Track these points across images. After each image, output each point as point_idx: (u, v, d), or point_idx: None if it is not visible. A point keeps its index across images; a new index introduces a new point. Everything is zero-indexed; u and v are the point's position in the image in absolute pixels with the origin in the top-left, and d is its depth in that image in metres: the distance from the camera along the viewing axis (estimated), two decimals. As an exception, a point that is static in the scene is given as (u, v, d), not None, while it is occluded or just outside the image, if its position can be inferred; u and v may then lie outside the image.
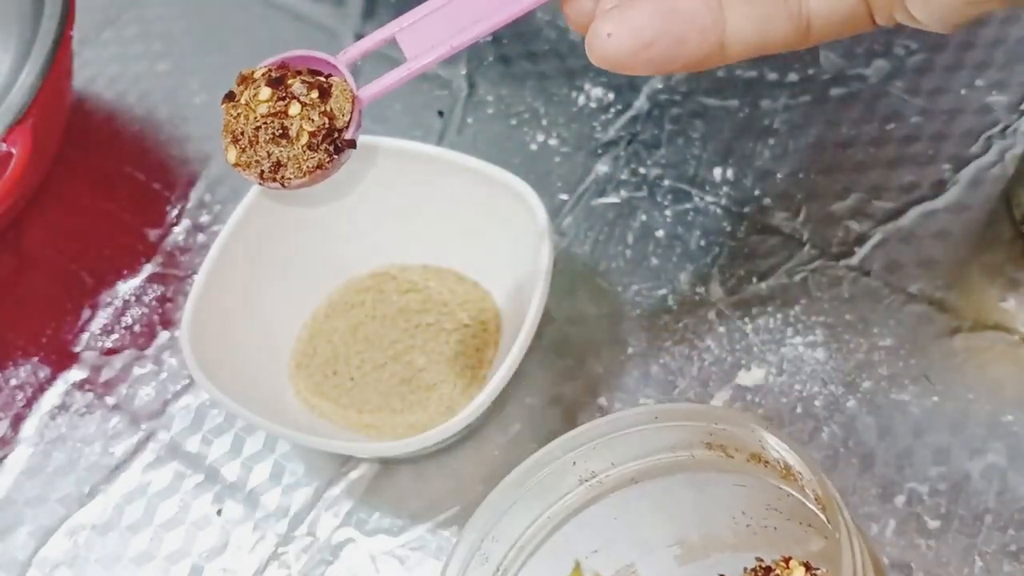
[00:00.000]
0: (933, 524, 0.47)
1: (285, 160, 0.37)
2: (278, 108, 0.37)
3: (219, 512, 0.52)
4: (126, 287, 0.59)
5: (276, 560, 0.50)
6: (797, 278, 0.54)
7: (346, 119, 0.37)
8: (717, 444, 0.39)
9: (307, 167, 0.36)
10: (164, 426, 0.54)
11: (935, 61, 0.60)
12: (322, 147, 0.37)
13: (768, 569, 0.41)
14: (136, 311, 0.58)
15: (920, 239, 0.54)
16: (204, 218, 0.60)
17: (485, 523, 0.39)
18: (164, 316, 0.58)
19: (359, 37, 0.66)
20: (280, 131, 0.37)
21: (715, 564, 0.43)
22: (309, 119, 0.36)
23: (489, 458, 0.51)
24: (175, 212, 0.61)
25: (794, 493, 0.38)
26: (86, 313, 0.58)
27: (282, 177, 0.37)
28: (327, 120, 0.37)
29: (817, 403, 0.50)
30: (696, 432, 0.39)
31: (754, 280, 0.54)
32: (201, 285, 0.51)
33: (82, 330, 0.58)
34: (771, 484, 0.39)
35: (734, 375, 0.52)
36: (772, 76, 0.60)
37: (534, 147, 0.60)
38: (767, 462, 0.38)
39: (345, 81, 0.37)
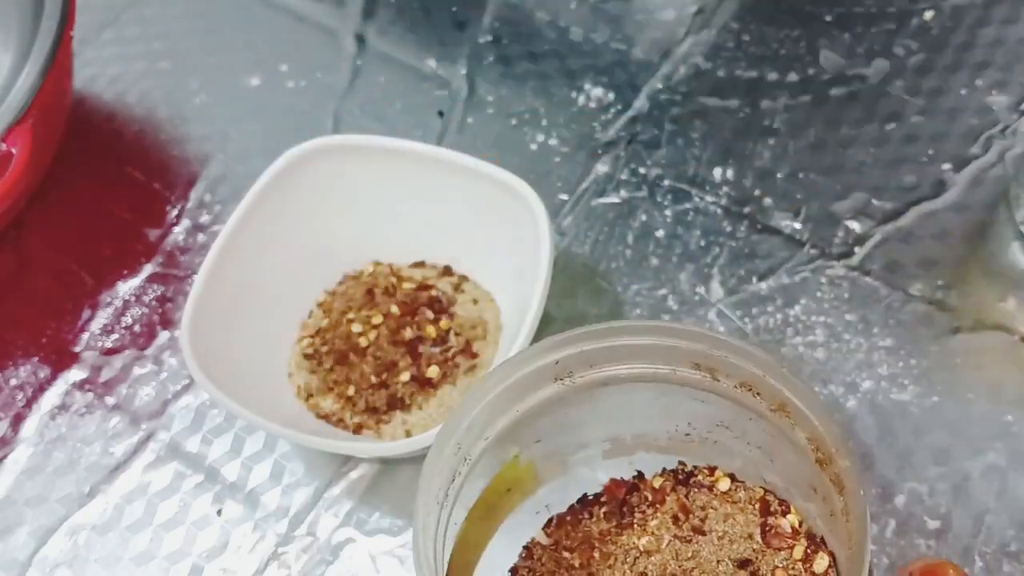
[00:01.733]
0: (933, 524, 0.47)
1: None
2: None
3: (219, 512, 0.52)
4: (126, 287, 0.59)
5: (276, 560, 0.50)
6: (797, 278, 0.54)
7: None
8: (707, 366, 0.40)
9: None
10: (164, 426, 0.54)
11: (935, 61, 0.60)
12: None
13: (690, 474, 0.43)
14: (136, 311, 0.58)
15: (920, 239, 0.54)
16: (204, 218, 0.60)
17: (462, 413, 0.40)
18: (164, 316, 0.58)
19: (359, 37, 0.66)
20: None
21: (636, 461, 0.44)
22: None
23: (489, 458, 0.51)
24: (175, 212, 0.61)
25: (777, 425, 0.39)
26: (86, 313, 0.58)
27: None
28: None
29: (817, 403, 0.50)
30: (689, 353, 0.40)
31: (754, 280, 0.54)
32: (201, 285, 0.51)
33: (82, 330, 0.58)
34: (736, 405, 0.40)
35: (734, 375, 0.52)
36: (772, 76, 0.60)
37: (534, 147, 0.60)
38: (759, 393, 0.39)
39: None
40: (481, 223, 0.53)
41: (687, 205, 0.57)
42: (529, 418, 0.42)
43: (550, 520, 0.44)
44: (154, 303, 0.58)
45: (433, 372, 0.52)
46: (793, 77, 0.60)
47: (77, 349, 0.57)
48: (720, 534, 0.41)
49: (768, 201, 0.57)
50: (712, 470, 0.43)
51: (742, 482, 0.43)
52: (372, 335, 0.53)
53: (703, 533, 0.41)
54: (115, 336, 0.57)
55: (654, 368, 0.41)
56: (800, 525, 0.41)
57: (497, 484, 0.43)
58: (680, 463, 0.44)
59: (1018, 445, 0.48)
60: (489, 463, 0.42)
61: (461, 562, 0.41)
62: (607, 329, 0.41)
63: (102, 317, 0.58)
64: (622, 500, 0.43)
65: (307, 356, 0.54)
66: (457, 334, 0.53)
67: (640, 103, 0.61)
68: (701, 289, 0.54)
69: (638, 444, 0.44)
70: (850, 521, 0.36)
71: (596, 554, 0.42)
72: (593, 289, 0.55)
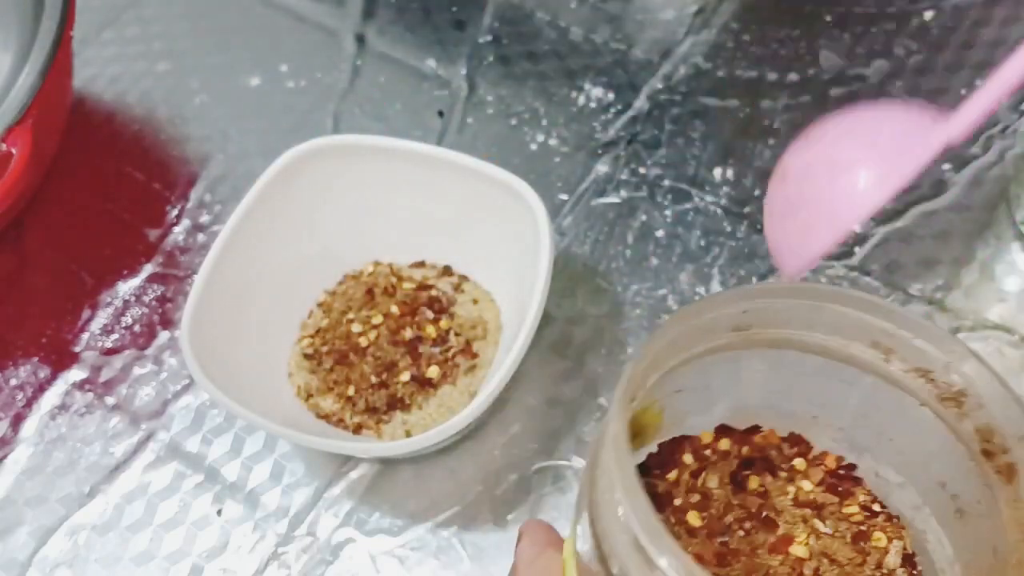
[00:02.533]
0: (933, 524, 0.47)
1: None
2: None
3: (219, 512, 0.52)
4: (126, 287, 0.59)
5: (276, 560, 0.50)
6: (797, 278, 0.54)
7: None
8: (886, 346, 0.37)
9: None
10: (164, 426, 0.54)
11: (935, 61, 0.60)
12: None
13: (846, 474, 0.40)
14: (136, 311, 0.58)
15: (920, 239, 0.54)
16: (204, 218, 0.61)
17: (639, 361, 0.37)
18: (164, 316, 0.58)
19: (359, 37, 0.66)
20: None
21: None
22: None
23: (489, 458, 0.51)
24: (175, 212, 0.61)
25: (940, 414, 0.36)
26: (86, 313, 0.58)
27: None
28: None
29: (817, 403, 0.50)
30: (873, 329, 0.37)
31: (754, 280, 0.54)
32: (201, 285, 0.51)
33: (82, 330, 0.58)
34: (887, 391, 0.37)
35: (734, 375, 0.52)
36: (772, 76, 0.60)
37: (534, 147, 0.60)
38: (934, 380, 0.36)
39: None
40: (481, 223, 0.53)
41: (687, 205, 0.57)
42: (689, 365, 0.38)
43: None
44: (154, 303, 0.58)
45: (433, 372, 0.52)
46: (793, 77, 0.60)
47: (77, 349, 0.57)
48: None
49: (768, 201, 0.57)
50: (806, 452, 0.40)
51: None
52: (372, 335, 0.53)
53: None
54: (115, 336, 0.57)
55: (825, 338, 0.37)
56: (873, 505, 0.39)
57: (632, 424, 0.39)
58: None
59: (1018, 445, 0.48)
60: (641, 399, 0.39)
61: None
62: (794, 288, 0.37)
63: (102, 317, 0.58)
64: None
65: (307, 356, 0.54)
66: (457, 334, 0.53)
67: (640, 103, 0.61)
68: (701, 289, 0.54)
69: (760, 418, 0.41)
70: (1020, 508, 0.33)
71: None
72: (593, 289, 0.55)
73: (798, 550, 0.38)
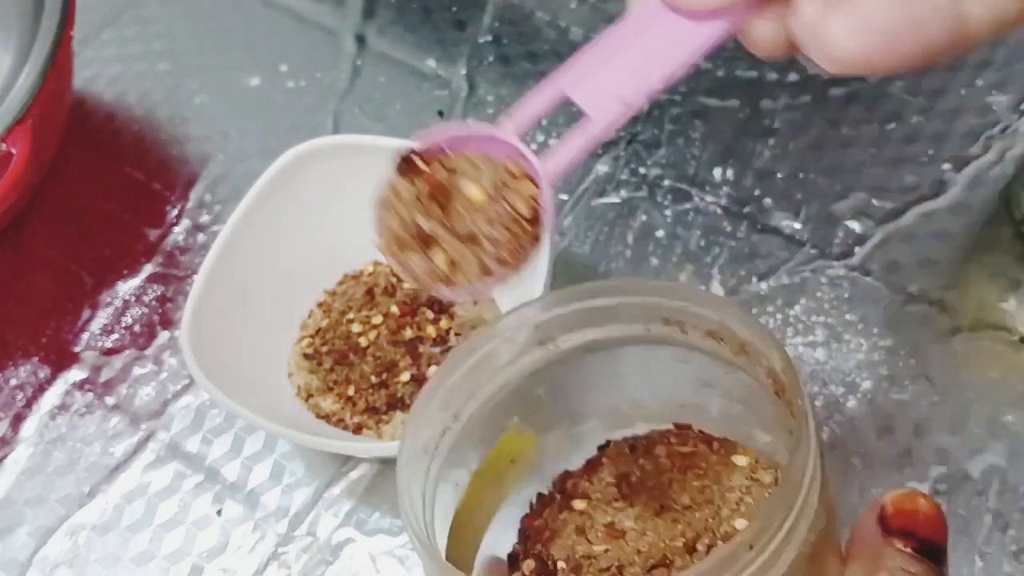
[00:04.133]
0: (933, 524, 0.47)
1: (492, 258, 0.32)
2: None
3: (219, 512, 0.52)
4: (126, 287, 0.59)
5: (276, 560, 0.50)
6: (797, 278, 0.54)
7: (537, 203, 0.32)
8: (675, 320, 0.40)
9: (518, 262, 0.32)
10: (164, 426, 0.54)
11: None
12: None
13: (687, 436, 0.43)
14: (136, 311, 0.58)
15: (920, 239, 0.54)
16: (204, 218, 0.60)
17: (445, 373, 0.40)
18: (164, 316, 0.58)
19: (359, 37, 0.66)
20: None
21: (637, 432, 0.44)
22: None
23: (489, 458, 0.51)
24: (175, 212, 0.61)
25: (746, 374, 0.39)
26: (86, 313, 0.58)
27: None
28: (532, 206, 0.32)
29: (817, 403, 0.50)
30: (657, 308, 0.40)
31: (754, 280, 0.54)
32: (201, 285, 0.51)
33: (82, 330, 0.58)
34: (712, 358, 0.40)
35: (734, 375, 0.52)
36: (772, 76, 0.60)
37: (534, 147, 0.60)
38: (723, 339, 0.39)
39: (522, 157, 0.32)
40: (481, 223, 0.53)
41: (687, 205, 0.57)
42: (520, 385, 0.41)
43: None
44: (154, 303, 0.58)
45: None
46: (793, 77, 0.60)
47: (77, 349, 0.57)
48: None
49: (768, 201, 0.57)
50: (685, 427, 0.43)
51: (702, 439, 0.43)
52: (372, 335, 0.53)
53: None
54: (115, 336, 0.57)
55: (630, 328, 0.41)
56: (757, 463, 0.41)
57: (499, 452, 0.42)
58: (676, 424, 0.43)
59: (1018, 445, 0.48)
60: (487, 429, 0.42)
61: (467, 523, 0.41)
62: (576, 291, 0.40)
63: (102, 317, 0.58)
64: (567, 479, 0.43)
65: (307, 356, 0.54)
66: (457, 334, 0.53)
67: (640, 103, 0.61)
68: (701, 289, 0.54)
69: (635, 414, 0.44)
70: (794, 414, 0.35)
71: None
72: (593, 289, 0.55)
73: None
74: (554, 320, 0.41)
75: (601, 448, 0.44)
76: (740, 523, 0.39)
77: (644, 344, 0.41)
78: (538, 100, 0.32)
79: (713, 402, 0.42)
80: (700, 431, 0.43)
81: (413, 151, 0.32)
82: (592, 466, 0.43)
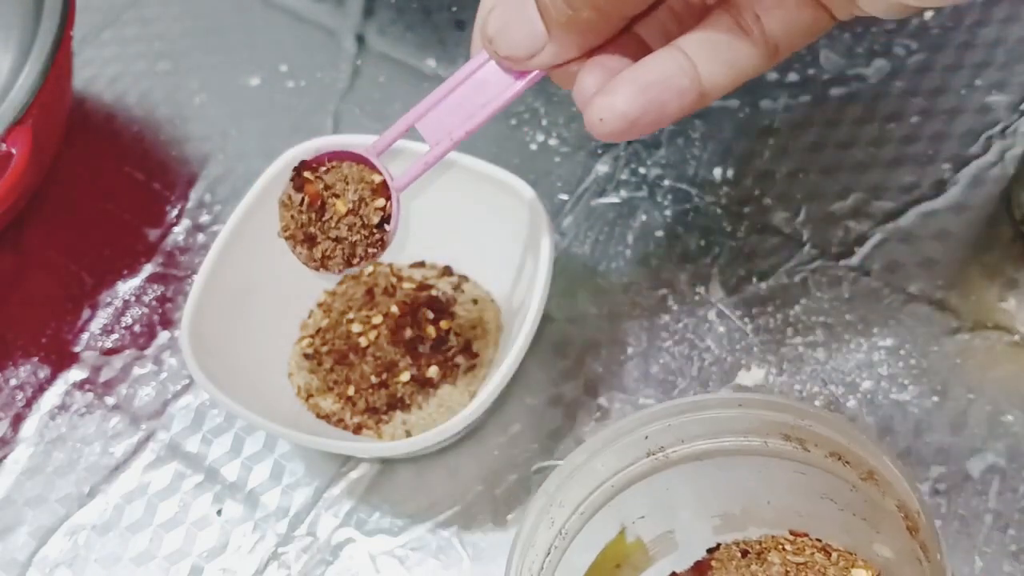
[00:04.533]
0: (933, 524, 0.47)
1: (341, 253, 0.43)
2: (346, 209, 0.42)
3: (219, 512, 0.52)
4: (126, 287, 0.59)
5: (276, 560, 0.50)
6: (797, 278, 0.54)
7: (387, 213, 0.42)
8: (796, 437, 0.40)
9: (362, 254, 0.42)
10: (164, 426, 0.54)
11: (935, 61, 0.60)
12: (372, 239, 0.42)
13: (804, 544, 0.42)
14: (136, 311, 0.58)
15: (920, 239, 0.54)
16: (204, 218, 0.61)
17: (555, 488, 0.40)
18: (164, 316, 0.58)
19: (359, 37, 0.66)
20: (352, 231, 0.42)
21: (749, 536, 0.44)
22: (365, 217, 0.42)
23: (489, 458, 0.51)
24: (175, 212, 0.61)
25: (869, 494, 0.39)
26: (86, 313, 0.58)
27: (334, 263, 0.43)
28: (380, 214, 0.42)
29: (817, 403, 0.50)
30: (777, 424, 0.40)
31: (754, 280, 0.54)
32: (201, 285, 0.51)
33: (82, 330, 0.58)
34: (832, 475, 0.40)
35: (734, 375, 0.52)
36: (772, 76, 0.60)
37: (534, 147, 0.60)
38: (848, 462, 0.39)
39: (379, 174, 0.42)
40: (481, 223, 0.53)
41: (687, 205, 0.57)
42: (626, 493, 0.42)
43: None
44: (154, 303, 0.58)
45: (433, 372, 0.52)
46: (793, 77, 0.60)
47: (77, 349, 0.57)
48: None
49: (768, 201, 0.57)
50: (802, 535, 0.43)
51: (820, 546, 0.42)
52: (372, 335, 0.53)
53: None
54: (115, 336, 0.57)
55: (746, 441, 0.41)
56: None
57: (604, 560, 0.43)
58: (791, 531, 0.43)
59: (1018, 445, 0.48)
60: (591, 538, 0.42)
61: None
62: (693, 403, 0.41)
63: (102, 317, 0.58)
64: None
65: (307, 356, 0.54)
66: (457, 334, 0.53)
67: (640, 103, 0.61)
68: (701, 289, 0.54)
69: (748, 519, 0.44)
70: None
71: None
72: (593, 289, 0.55)
73: None
74: (665, 431, 0.41)
75: (710, 551, 0.43)
76: None
77: (760, 456, 0.41)
78: (395, 130, 0.41)
79: (833, 513, 0.42)
80: (818, 540, 0.42)
81: (302, 163, 0.42)
82: (700, 569, 0.43)
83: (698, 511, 0.44)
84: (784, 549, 0.42)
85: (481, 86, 0.39)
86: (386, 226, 0.41)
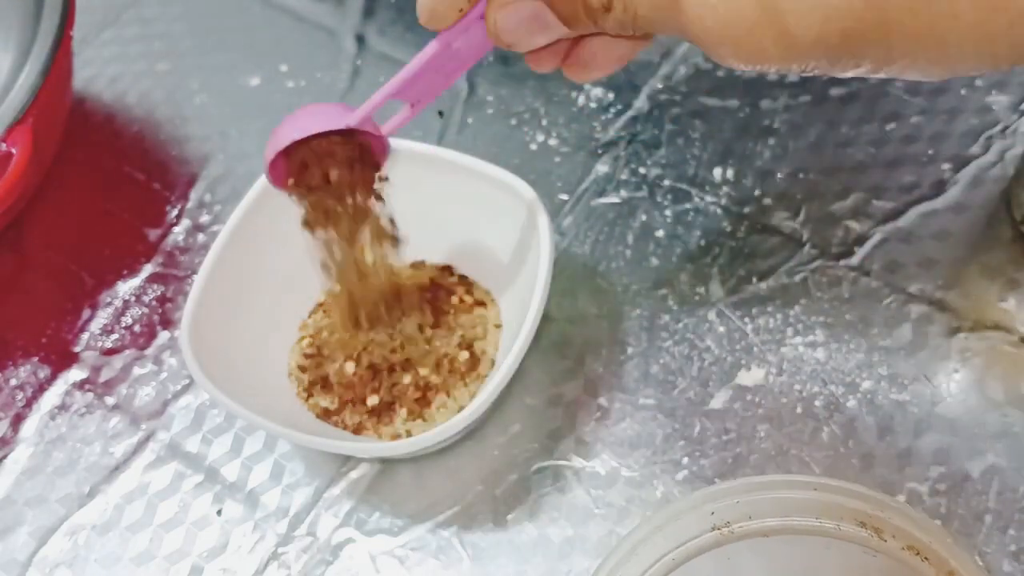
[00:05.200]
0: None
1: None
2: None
3: (219, 512, 0.52)
4: (126, 287, 0.59)
5: (276, 560, 0.50)
6: (797, 278, 0.54)
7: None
8: (872, 526, 0.40)
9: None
10: (164, 426, 0.54)
11: (935, 61, 0.60)
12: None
13: None
14: (136, 311, 0.58)
15: (920, 239, 0.54)
16: (204, 218, 0.61)
17: (614, 564, 0.40)
18: (164, 316, 0.58)
19: (359, 37, 0.66)
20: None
21: None
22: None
23: (489, 458, 0.51)
24: (175, 212, 0.61)
25: None
26: (86, 313, 0.58)
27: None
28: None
29: (817, 403, 0.50)
30: (852, 511, 0.40)
31: (754, 280, 0.54)
32: (201, 285, 0.51)
33: (82, 330, 0.58)
34: (904, 563, 0.40)
35: (734, 375, 0.52)
36: (772, 76, 0.60)
37: (534, 147, 0.60)
38: (927, 558, 0.39)
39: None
40: (481, 223, 0.53)
41: (687, 205, 0.57)
42: (687, 565, 0.41)
43: None
44: (154, 303, 0.58)
45: (433, 372, 0.52)
46: (793, 77, 0.60)
47: (77, 349, 0.57)
48: None
49: (768, 201, 0.57)
50: None
51: None
52: (372, 335, 0.53)
53: None
54: (115, 336, 0.57)
55: (818, 523, 0.40)
56: None
57: None
58: None
59: (1018, 445, 0.48)
60: None
61: None
62: (766, 483, 0.41)
63: (102, 317, 0.58)
64: None
65: (307, 356, 0.54)
66: (457, 334, 0.53)
67: (640, 103, 0.61)
68: (701, 289, 0.54)
69: None
70: None
71: None
72: (593, 289, 0.55)
73: None
74: (732, 507, 0.41)
75: None
76: None
77: (831, 538, 0.41)
78: (377, 97, 0.44)
79: None
80: None
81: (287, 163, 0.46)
82: None
83: None
84: None
85: (454, 56, 0.43)
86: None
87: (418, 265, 0.56)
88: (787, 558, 0.42)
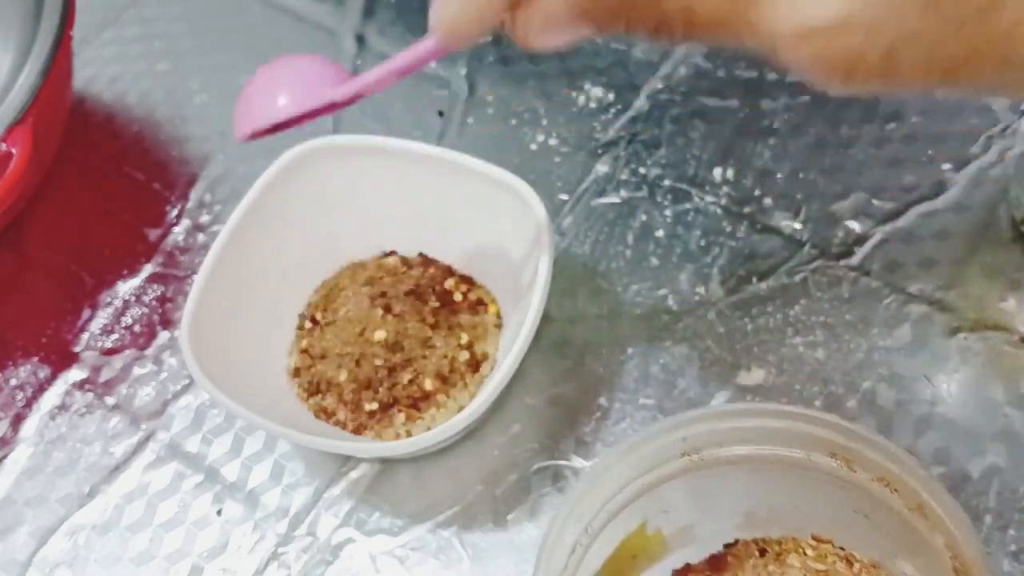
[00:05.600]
0: (933, 524, 0.47)
1: None
2: None
3: (219, 512, 0.52)
4: (126, 287, 0.59)
5: (276, 560, 0.50)
6: (797, 278, 0.54)
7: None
8: (843, 456, 0.40)
9: None
10: (164, 426, 0.54)
11: (935, 61, 0.60)
12: None
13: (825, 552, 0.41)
14: (136, 311, 0.58)
15: (920, 239, 0.54)
16: (204, 218, 0.60)
17: (584, 488, 0.40)
18: (164, 316, 0.58)
19: (359, 37, 0.66)
20: None
21: (770, 536, 0.43)
22: None
23: (489, 458, 0.51)
24: (175, 212, 0.61)
25: (914, 524, 0.39)
26: (86, 313, 0.58)
27: None
28: None
29: (817, 403, 0.50)
30: (823, 441, 0.40)
31: (754, 280, 0.54)
32: (201, 285, 0.51)
33: (82, 330, 0.58)
34: (873, 495, 0.39)
35: (734, 375, 0.52)
36: (772, 76, 0.60)
37: (534, 147, 0.60)
38: (896, 490, 0.39)
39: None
40: (481, 223, 0.53)
41: (687, 205, 0.57)
42: (656, 490, 0.41)
43: None
44: (154, 303, 0.58)
45: (433, 372, 0.52)
46: (793, 77, 0.60)
47: (77, 349, 0.57)
48: None
49: (768, 201, 0.57)
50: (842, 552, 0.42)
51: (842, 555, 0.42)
52: (372, 335, 0.53)
53: None
54: (115, 336, 0.57)
55: (788, 452, 0.40)
56: None
57: (622, 550, 0.42)
58: (814, 536, 0.42)
59: (1018, 445, 0.48)
60: (613, 532, 0.42)
61: None
62: (738, 410, 0.41)
63: (102, 317, 0.58)
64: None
65: (307, 356, 0.54)
66: (457, 334, 0.53)
67: (640, 103, 0.61)
68: (701, 289, 0.54)
69: (772, 520, 0.43)
70: None
71: None
72: (593, 289, 0.55)
73: None
74: (705, 434, 0.41)
75: (728, 546, 0.43)
76: None
77: (800, 468, 0.40)
78: (371, 79, 0.41)
79: (863, 527, 0.41)
80: (841, 548, 0.41)
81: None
82: (716, 563, 0.42)
83: (723, 509, 0.43)
84: (805, 553, 0.41)
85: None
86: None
87: (418, 265, 0.56)
88: (757, 486, 0.42)
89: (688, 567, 0.43)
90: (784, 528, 0.43)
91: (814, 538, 0.42)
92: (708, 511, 0.43)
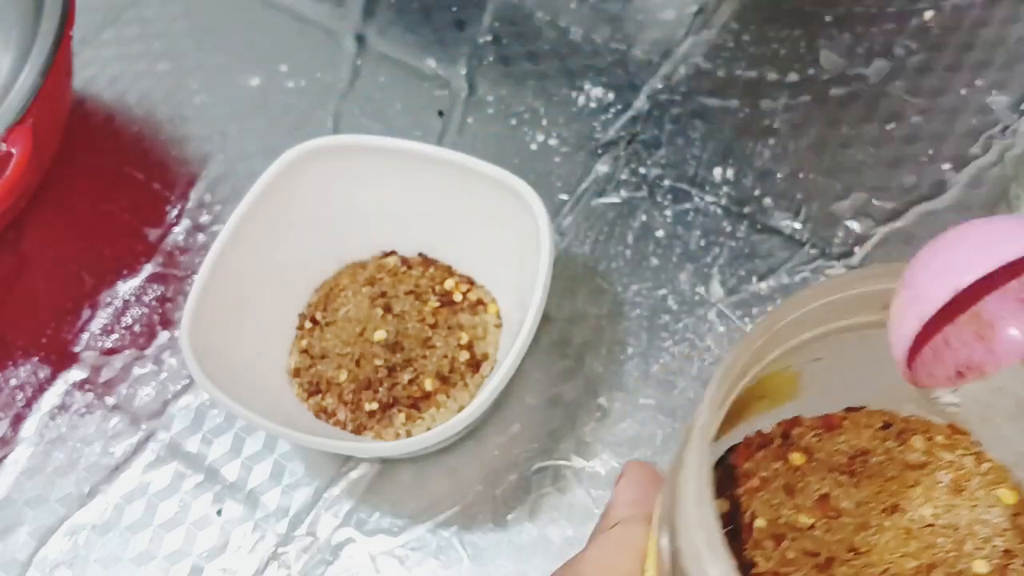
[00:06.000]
0: (933, 524, 0.47)
1: None
2: None
3: (219, 512, 0.52)
4: (126, 287, 0.59)
5: (276, 560, 0.50)
6: (797, 278, 0.54)
7: None
8: None
9: None
10: (164, 426, 0.54)
11: (935, 61, 0.60)
12: None
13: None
14: (136, 311, 0.58)
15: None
16: (204, 218, 0.61)
17: (780, 315, 0.33)
18: (164, 316, 0.58)
19: (359, 37, 0.66)
20: None
21: (900, 412, 0.38)
22: None
23: (489, 458, 0.51)
24: (175, 212, 0.61)
25: None
26: (86, 313, 0.58)
27: None
28: None
29: (817, 403, 0.50)
30: None
31: (754, 280, 0.54)
32: (201, 285, 0.51)
33: (82, 330, 0.58)
34: None
35: (734, 375, 0.52)
36: (772, 76, 0.60)
37: (534, 147, 0.60)
38: None
39: None
40: (481, 223, 0.53)
41: (687, 205, 0.57)
42: (826, 339, 0.35)
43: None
44: (154, 303, 0.58)
45: (433, 372, 0.52)
46: (793, 77, 0.60)
47: (77, 349, 0.57)
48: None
49: (768, 201, 0.57)
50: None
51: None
52: (372, 335, 0.53)
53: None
54: (115, 336, 0.57)
55: None
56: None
57: (754, 387, 0.36)
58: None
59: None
60: (762, 369, 0.36)
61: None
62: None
63: (102, 317, 0.58)
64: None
65: (307, 356, 0.54)
66: (457, 334, 0.53)
67: (640, 103, 0.61)
68: (701, 289, 0.54)
69: (912, 398, 0.37)
70: None
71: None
72: (593, 289, 0.55)
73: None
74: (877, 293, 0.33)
75: (850, 409, 0.37)
76: (980, 566, 0.34)
77: None
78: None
79: (1010, 429, 0.36)
80: (975, 442, 0.37)
81: None
82: (829, 422, 0.37)
83: (863, 379, 0.37)
84: (933, 439, 0.37)
85: None
86: None
87: (418, 265, 0.56)
88: None
89: (797, 419, 0.37)
90: (922, 408, 0.37)
91: (950, 427, 0.37)
92: (851, 378, 0.37)
